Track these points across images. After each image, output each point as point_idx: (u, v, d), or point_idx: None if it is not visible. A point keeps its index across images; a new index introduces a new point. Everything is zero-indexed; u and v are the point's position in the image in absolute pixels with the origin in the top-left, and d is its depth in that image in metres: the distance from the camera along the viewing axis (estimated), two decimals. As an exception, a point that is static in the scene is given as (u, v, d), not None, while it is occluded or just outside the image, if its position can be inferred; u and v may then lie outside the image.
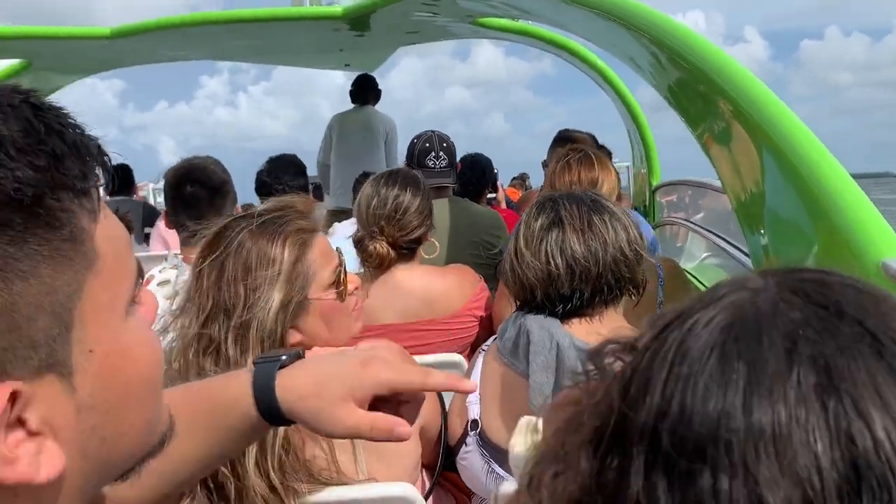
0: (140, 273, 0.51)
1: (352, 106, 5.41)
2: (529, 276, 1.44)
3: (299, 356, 0.87)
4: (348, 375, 0.80)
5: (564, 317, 1.45)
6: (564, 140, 3.40)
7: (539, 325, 1.41)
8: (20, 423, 0.43)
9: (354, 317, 1.46)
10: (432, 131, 3.06)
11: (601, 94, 4.90)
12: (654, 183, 4.62)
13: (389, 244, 2.06)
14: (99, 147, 0.47)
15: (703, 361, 0.41)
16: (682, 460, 0.38)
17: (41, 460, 0.43)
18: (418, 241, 2.13)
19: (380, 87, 5.53)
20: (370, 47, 5.46)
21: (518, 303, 1.53)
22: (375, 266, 2.08)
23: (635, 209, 4.56)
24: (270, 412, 0.80)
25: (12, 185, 0.41)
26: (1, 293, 0.41)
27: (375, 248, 2.05)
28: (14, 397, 0.42)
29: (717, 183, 2.84)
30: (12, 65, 4.91)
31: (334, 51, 5.49)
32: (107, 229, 0.48)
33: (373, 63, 6.10)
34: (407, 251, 2.11)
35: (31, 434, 0.43)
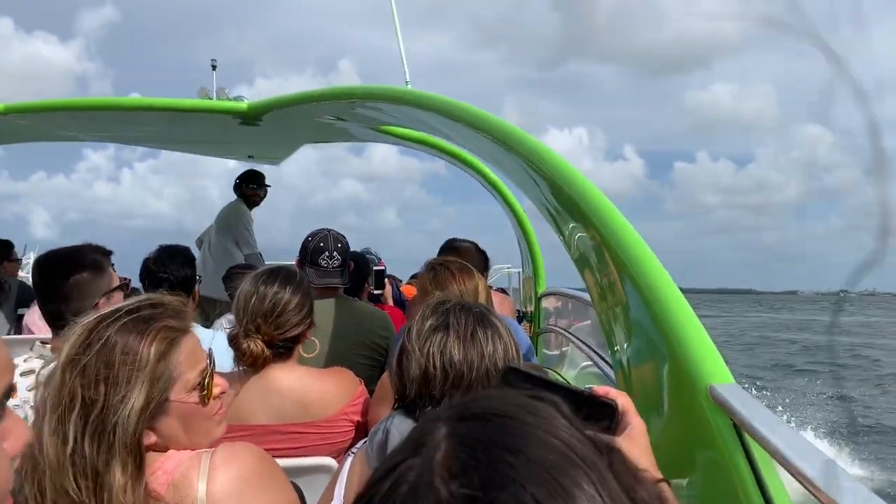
0: (6, 395, 0.55)
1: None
2: (409, 373, 1.50)
3: None
4: None
5: None
6: (453, 249, 3.53)
7: (398, 434, 1.45)
8: None
9: (217, 420, 1.44)
10: (327, 230, 3.06)
11: (490, 198, 5.13)
12: (540, 290, 4.82)
13: (265, 342, 2.05)
14: None
15: None
16: None
17: None
18: (296, 340, 2.13)
19: (245, 184, 5.75)
20: (275, 142, 5.56)
21: (396, 397, 1.57)
22: (249, 364, 2.06)
23: (520, 314, 4.71)
24: None
25: None
26: None
27: (250, 346, 2.04)
28: None
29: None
30: None
31: (238, 143, 5.55)
32: None
33: (276, 157, 6.19)
34: (283, 350, 2.10)
35: None
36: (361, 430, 2.21)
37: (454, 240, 3.65)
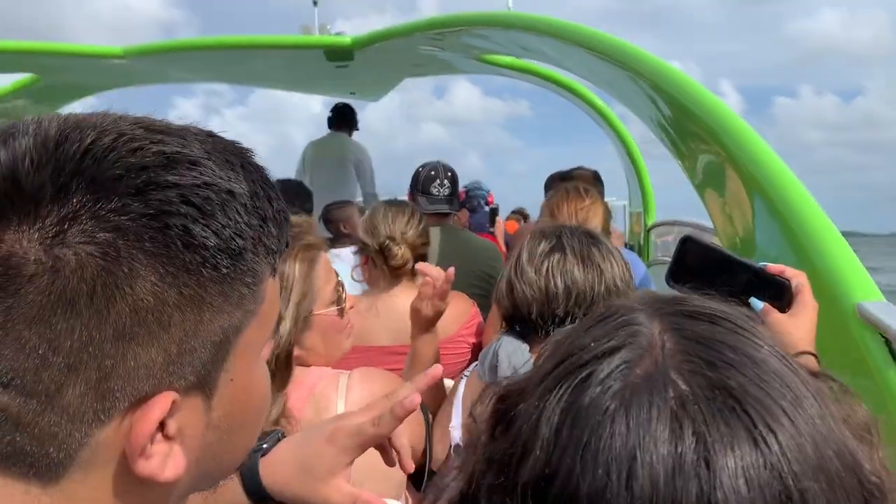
0: (278, 323, 0.57)
1: (327, 132, 5.51)
2: (527, 294, 1.50)
3: (278, 440, 0.95)
4: (323, 455, 0.88)
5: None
6: (565, 178, 3.52)
7: (507, 357, 1.47)
8: (160, 426, 0.49)
9: (347, 333, 1.49)
10: (438, 161, 3.17)
11: (577, 142, 4.99)
12: (650, 222, 4.69)
13: (412, 252, 2.16)
14: (287, 217, 0.57)
15: (594, 429, 0.44)
16: None
17: (168, 462, 0.49)
18: (421, 259, 2.20)
19: (357, 117, 5.61)
20: (376, 77, 5.57)
21: (504, 323, 1.58)
22: (399, 265, 2.15)
23: (629, 247, 4.62)
24: (261, 500, 0.90)
25: (230, 236, 0.49)
26: (193, 319, 0.49)
27: (402, 250, 2.14)
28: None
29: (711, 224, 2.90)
30: (23, 78, 5.00)
31: (340, 79, 5.59)
32: (272, 287, 0.56)
33: (377, 92, 6.22)
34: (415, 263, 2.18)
35: (167, 438, 0.50)
36: (477, 351, 2.25)
37: (576, 168, 3.63)
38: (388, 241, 2.17)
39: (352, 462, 0.89)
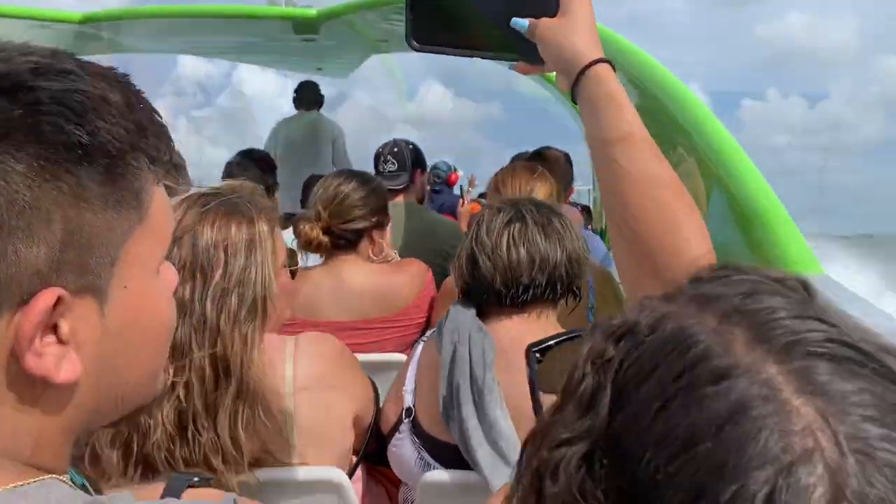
0: (172, 246, 0.60)
1: (295, 112, 5.39)
2: (489, 266, 1.49)
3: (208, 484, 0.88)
4: None
5: (511, 308, 1.51)
6: (539, 156, 3.49)
7: (451, 326, 1.48)
8: (54, 328, 0.51)
9: (290, 301, 1.49)
10: (395, 139, 3.17)
11: (551, 142, 4.89)
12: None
13: (323, 229, 2.07)
14: (168, 133, 0.59)
15: None
16: None
17: (63, 364, 0.51)
18: (359, 234, 2.14)
19: (322, 93, 5.48)
20: (343, 53, 5.50)
21: (460, 295, 1.58)
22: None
23: (596, 232, 4.63)
24: None
25: (106, 137, 0.51)
26: (74, 217, 0.51)
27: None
28: (57, 303, 0.50)
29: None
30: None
31: (307, 54, 5.51)
32: (160, 199, 0.58)
33: (345, 69, 6.14)
34: (344, 242, 2.12)
35: (60, 341, 0.52)
36: (428, 325, 2.23)
37: (546, 147, 3.61)
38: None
39: None
